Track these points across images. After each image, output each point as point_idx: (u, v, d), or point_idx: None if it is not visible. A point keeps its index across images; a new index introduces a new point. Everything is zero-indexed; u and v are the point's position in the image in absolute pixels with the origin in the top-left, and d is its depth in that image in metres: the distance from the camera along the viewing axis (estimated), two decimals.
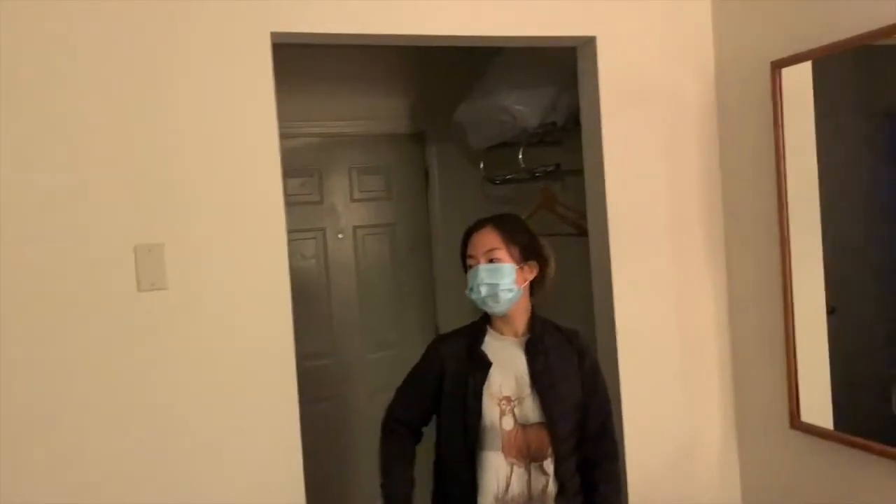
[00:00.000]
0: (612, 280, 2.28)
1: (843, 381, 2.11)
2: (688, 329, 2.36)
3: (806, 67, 2.06)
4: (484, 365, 1.85)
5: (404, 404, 1.97)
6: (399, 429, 1.95)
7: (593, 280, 2.39)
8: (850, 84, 2.13)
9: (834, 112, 2.12)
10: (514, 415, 1.82)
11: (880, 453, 1.90)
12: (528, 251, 1.88)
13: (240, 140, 1.97)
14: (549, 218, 3.05)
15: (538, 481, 1.82)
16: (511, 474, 1.82)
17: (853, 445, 1.97)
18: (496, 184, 3.44)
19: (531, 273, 1.89)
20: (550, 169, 3.00)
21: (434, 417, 1.94)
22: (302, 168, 3.60)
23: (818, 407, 2.11)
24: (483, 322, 1.92)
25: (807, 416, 2.12)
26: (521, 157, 3.03)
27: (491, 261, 1.83)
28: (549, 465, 1.82)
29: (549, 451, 1.82)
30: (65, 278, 1.82)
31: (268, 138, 2.00)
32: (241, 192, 1.97)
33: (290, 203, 3.36)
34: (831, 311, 2.12)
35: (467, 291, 1.87)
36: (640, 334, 2.30)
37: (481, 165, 3.40)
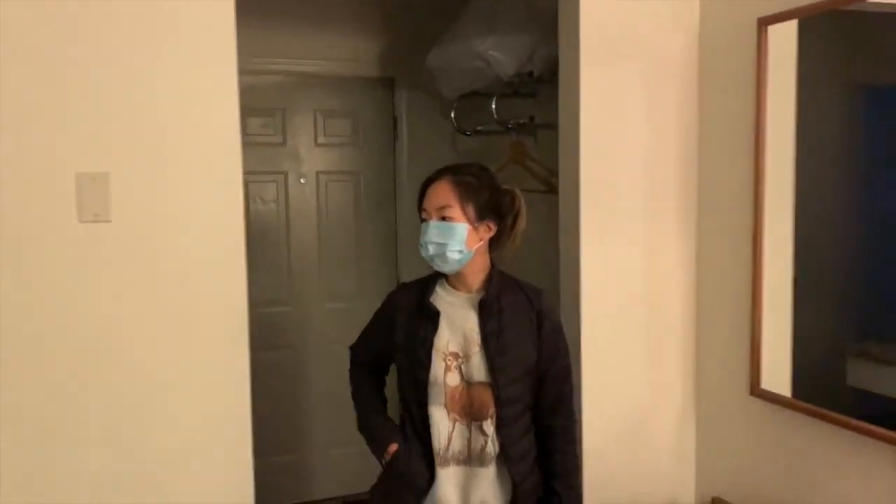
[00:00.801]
0: (579, 239, 2.22)
1: (803, 351, 2.11)
2: (654, 293, 2.32)
3: (792, 26, 2.00)
4: (431, 318, 1.78)
5: (363, 349, 1.98)
6: (361, 369, 1.97)
7: (560, 238, 2.33)
8: (833, 51, 2.08)
9: (816, 78, 2.07)
10: (459, 371, 1.76)
11: (835, 422, 1.90)
12: (486, 209, 1.77)
13: (195, 70, 1.86)
14: (519, 173, 2.98)
15: (477, 441, 1.77)
16: (453, 431, 1.77)
17: (809, 414, 1.97)
18: (467, 135, 3.34)
19: (487, 232, 1.78)
20: (524, 122, 2.92)
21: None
22: (264, 107, 3.46)
23: (778, 375, 2.10)
24: (439, 274, 1.83)
25: (767, 383, 2.11)
26: (494, 107, 2.94)
27: (443, 218, 1.73)
28: (489, 426, 1.77)
29: (492, 411, 1.76)
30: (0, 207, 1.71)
31: (226, 70, 1.89)
32: (193, 125, 1.87)
33: (250, 143, 3.29)
34: (796, 281, 2.10)
35: (419, 246, 1.78)
36: (604, 296, 2.25)
37: (452, 115, 3.29)
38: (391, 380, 1.93)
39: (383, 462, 1.83)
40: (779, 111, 2.06)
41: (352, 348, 2.00)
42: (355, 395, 1.95)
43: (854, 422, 1.86)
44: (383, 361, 1.95)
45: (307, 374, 3.57)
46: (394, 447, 1.80)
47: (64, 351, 1.82)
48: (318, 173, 3.61)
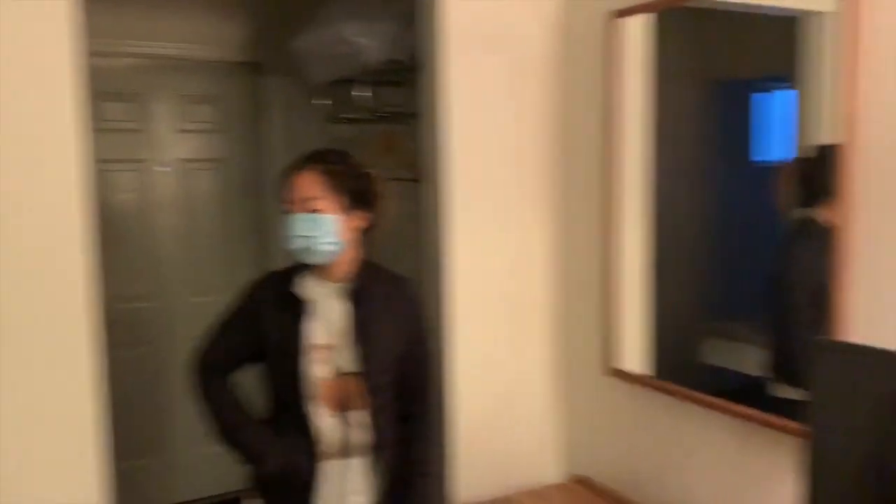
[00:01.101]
0: (444, 226, 2.23)
1: (662, 331, 2.21)
2: (518, 280, 2.36)
3: (647, 20, 2.07)
4: (299, 310, 1.73)
5: (216, 348, 1.82)
6: (215, 375, 1.81)
7: (426, 227, 2.33)
8: (686, 46, 2.19)
9: (669, 72, 2.17)
10: (330, 364, 1.73)
11: (689, 398, 1.99)
12: (355, 198, 1.73)
13: (25, 48, 1.71)
14: (390, 162, 2.96)
15: (352, 432, 1.76)
16: (328, 424, 1.74)
17: (665, 391, 2.07)
18: (337, 122, 3.28)
19: (359, 222, 1.75)
20: (394, 110, 2.90)
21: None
22: (121, 91, 3.26)
23: (634, 355, 2.20)
24: (305, 265, 1.78)
25: (624, 363, 2.20)
26: (361, 95, 2.90)
27: (312, 210, 1.67)
28: (363, 416, 1.76)
29: (364, 401, 1.75)
30: None
31: (62, 51, 1.74)
32: (25, 107, 1.72)
33: (105, 129, 3.10)
34: (653, 265, 2.20)
35: (285, 238, 1.71)
36: (470, 284, 2.27)
37: (322, 102, 3.22)
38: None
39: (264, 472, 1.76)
40: (633, 103, 2.14)
41: (198, 350, 1.83)
42: (216, 409, 1.79)
43: (701, 396, 1.96)
44: (240, 360, 1.82)
45: (172, 371, 3.41)
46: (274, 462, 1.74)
47: None
48: (181, 161, 3.45)
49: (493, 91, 2.28)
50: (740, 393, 1.93)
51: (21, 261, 1.75)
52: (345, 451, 1.76)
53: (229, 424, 1.79)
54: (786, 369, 1.83)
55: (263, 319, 1.75)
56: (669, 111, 2.19)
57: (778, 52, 1.84)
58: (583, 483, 2.34)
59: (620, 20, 2.10)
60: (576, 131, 2.33)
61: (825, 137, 1.59)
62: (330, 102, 3.23)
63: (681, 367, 2.21)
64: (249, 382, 1.84)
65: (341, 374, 1.73)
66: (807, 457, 1.38)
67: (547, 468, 2.44)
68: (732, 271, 2.19)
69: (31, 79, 1.73)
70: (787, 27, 1.77)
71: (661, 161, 2.16)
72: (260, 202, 3.56)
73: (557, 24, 2.34)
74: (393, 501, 1.81)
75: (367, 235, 1.79)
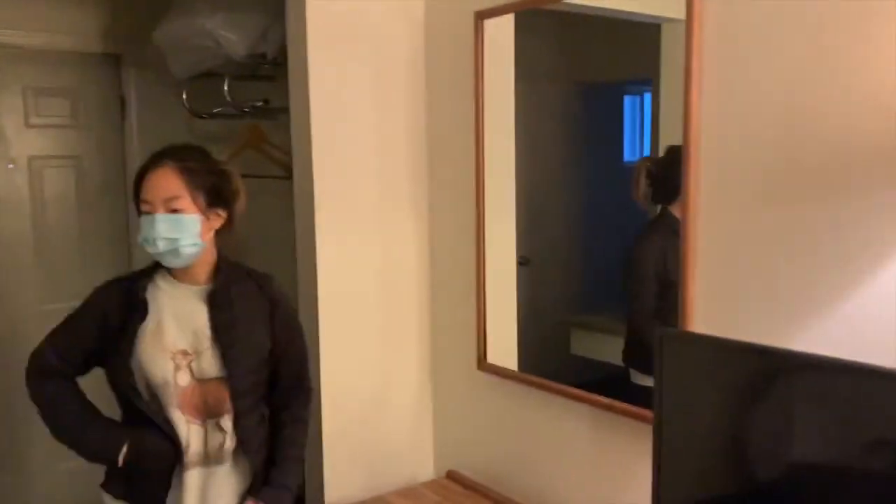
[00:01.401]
0: (314, 222, 2.19)
1: (531, 325, 2.26)
2: (389, 276, 2.36)
3: (509, 21, 2.10)
4: (157, 314, 1.66)
5: (63, 351, 1.71)
6: (54, 377, 1.71)
7: (296, 222, 2.28)
8: (550, 46, 2.24)
9: (534, 72, 2.22)
10: (190, 370, 1.66)
11: (557, 391, 2.03)
12: (214, 196, 1.67)
13: None
14: (257, 158, 2.87)
15: (215, 438, 1.70)
16: (189, 432, 1.67)
17: (534, 385, 2.11)
18: (202, 118, 3.16)
19: (218, 221, 1.70)
20: (259, 104, 2.82)
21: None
22: None
23: (505, 350, 2.23)
24: (157, 266, 1.71)
25: (494, 358, 2.23)
26: (226, 89, 2.80)
27: (172, 210, 1.60)
28: (226, 421, 1.70)
29: (228, 406, 1.70)
30: None
31: None
32: None
33: None
34: (525, 262, 2.25)
35: (141, 241, 1.63)
36: (340, 281, 2.25)
37: (185, 96, 3.09)
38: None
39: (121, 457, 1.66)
40: (500, 102, 2.17)
41: (38, 355, 1.73)
42: (58, 406, 1.70)
43: (563, 387, 2.01)
44: (79, 370, 1.73)
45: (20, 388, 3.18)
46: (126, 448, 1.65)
47: None
48: (30, 158, 3.21)
49: (358, 87, 2.25)
50: (607, 383, 2.00)
51: None
52: (208, 460, 1.70)
53: (74, 419, 1.69)
54: (639, 358, 1.92)
55: (111, 330, 1.66)
56: (539, 111, 2.24)
57: (644, 56, 1.92)
58: (454, 478, 2.36)
59: (485, 21, 2.12)
60: (443, 129, 2.34)
61: (675, 139, 1.67)
62: (191, 97, 3.09)
63: (551, 360, 2.27)
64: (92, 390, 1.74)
65: (204, 380, 1.67)
66: (654, 442, 1.44)
67: (420, 464, 2.45)
68: (599, 266, 2.27)
69: None
70: (653, 33, 1.85)
71: (531, 159, 2.21)
72: (120, 201, 3.36)
73: (424, 23, 2.34)
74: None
75: (223, 235, 1.74)
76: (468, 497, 2.25)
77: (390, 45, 2.30)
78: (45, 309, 3.19)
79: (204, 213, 1.65)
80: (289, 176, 2.76)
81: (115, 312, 1.67)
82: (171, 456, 1.66)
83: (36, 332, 3.20)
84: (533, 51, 2.18)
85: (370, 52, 2.26)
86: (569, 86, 2.31)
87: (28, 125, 3.20)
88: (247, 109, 2.88)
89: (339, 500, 2.25)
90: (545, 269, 2.33)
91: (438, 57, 2.33)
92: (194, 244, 1.63)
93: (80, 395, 1.73)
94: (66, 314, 1.75)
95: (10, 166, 3.15)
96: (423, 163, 2.38)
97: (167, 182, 1.61)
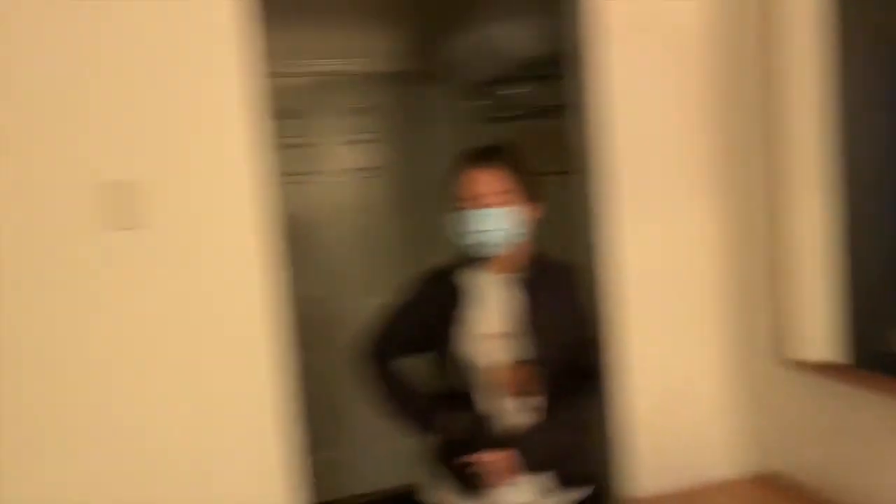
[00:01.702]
0: (605, 216, 2.22)
1: (851, 315, 2.03)
2: (684, 263, 2.30)
3: None
4: (472, 301, 1.81)
5: (388, 340, 1.90)
6: (384, 359, 1.90)
7: (583, 217, 2.33)
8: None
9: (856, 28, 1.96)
10: (505, 353, 1.79)
11: (889, 390, 1.80)
12: (532, 189, 1.81)
13: (209, 74, 1.85)
14: (544, 156, 2.97)
15: (527, 418, 1.81)
16: (501, 411, 1.80)
17: (860, 382, 1.90)
18: (491, 122, 3.34)
19: (538, 212, 1.83)
20: (547, 104, 2.90)
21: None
22: (292, 109, 3.50)
23: (821, 341, 2.06)
24: (468, 258, 1.85)
25: (808, 352, 2.07)
26: (516, 92, 2.93)
27: (504, 204, 1.74)
28: (537, 402, 1.81)
29: (539, 387, 1.80)
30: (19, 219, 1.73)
31: (241, 72, 1.87)
32: (210, 130, 1.86)
33: (282, 146, 3.34)
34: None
35: (458, 235, 1.78)
36: (637, 271, 2.24)
37: (478, 103, 3.29)
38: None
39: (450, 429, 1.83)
40: (804, 64, 1.99)
41: (367, 337, 1.92)
42: (389, 387, 1.88)
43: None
44: (406, 349, 1.90)
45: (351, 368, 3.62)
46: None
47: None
48: (348, 170, 3.67)
49: (648, 76, 2.23)
50: None
51: (216, 271, 1.89)
52: (517, 437, 1.80)
53: (404, 398, 1.87)
54: None
55: (435, 312, 1.83)
56: (861, 70, 1.97)
57: None
58: (770, 479, 2.24)
59: None
60: (738, 101, 2.23)
61: None
62: (487, 103, 3.28)
63: (879, 354, 2.02)
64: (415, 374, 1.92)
65: (518, 363, 1.78)
66: None
67: (727, 462, 2.36)
68: None
69: (217, 104, 1.88)
70: None
71: (851, 125, 1.96)
72: (422, 205, 3.70)
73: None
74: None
75: (535, 226, 1.86)
76: (783, 498, 2.12)
77: (676, 24, 2.24)
78: (366, 302, 3.61)
79: (528, 205, 1.79)
80: (569, 171, 2.82)
81: (435, 299, 1.85)
82: (487, 432, 1.80)
83: (359, 321, 3.65)
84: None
85: (654, 34, 2.23)
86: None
87: (346, 142, 3.64)
88: (535, 110, 2.98)
89: (649, 490, 2.25)
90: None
91: (729, 25, 2.22)
92: (513, 235, 1.76)
93: (402, 375, 1.92)
94: (384, 306, 1.94)
95: (336, 179, 3.63)
96: (716, 139, 2.29)
97: (499, 178, 1.75)
